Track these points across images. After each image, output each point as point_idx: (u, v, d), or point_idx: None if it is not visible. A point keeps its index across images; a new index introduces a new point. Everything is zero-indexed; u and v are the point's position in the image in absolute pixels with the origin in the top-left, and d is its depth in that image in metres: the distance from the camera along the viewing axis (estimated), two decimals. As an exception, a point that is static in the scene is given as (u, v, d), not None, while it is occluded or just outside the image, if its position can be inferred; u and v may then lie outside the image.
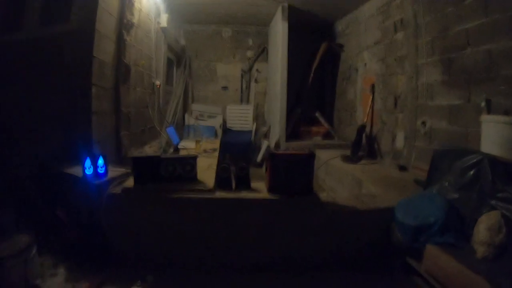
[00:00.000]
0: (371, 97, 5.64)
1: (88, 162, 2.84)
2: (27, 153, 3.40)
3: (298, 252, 2.88)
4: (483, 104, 3.29)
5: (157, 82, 5.48)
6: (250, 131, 7.77)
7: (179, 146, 4.59)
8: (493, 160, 2.57)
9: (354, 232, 2.89)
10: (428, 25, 4.18)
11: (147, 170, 2.81)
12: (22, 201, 3.19)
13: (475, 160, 2.65)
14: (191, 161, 2.92)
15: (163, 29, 5.80)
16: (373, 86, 5.64)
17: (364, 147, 5.61)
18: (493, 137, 3.08)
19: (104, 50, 3.60)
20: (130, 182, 2.88)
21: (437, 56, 4.04)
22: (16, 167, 3.30)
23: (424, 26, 4.23)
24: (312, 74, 7.26)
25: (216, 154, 4.59)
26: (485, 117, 3.22)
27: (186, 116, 7.69)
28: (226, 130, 7.94)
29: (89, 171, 2.86)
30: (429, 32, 4.15)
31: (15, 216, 3.02)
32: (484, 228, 2.21)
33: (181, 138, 5.87)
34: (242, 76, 8.41)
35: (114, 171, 3.13)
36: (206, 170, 3.35)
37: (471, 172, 2.64)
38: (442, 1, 3.91)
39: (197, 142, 4.83)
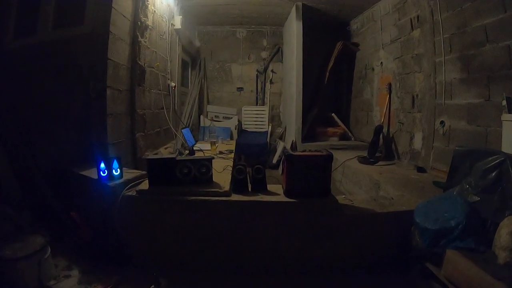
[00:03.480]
0: (388, 97, 5.57)
1: (103, 164, 2.84)
2: (42, 155, 3.43)
3: (315, 255, 2.83)
4: (503, 102, 3.21)
5: (172, 84, 5.49)
6: (266, 132, 7.76)
7: (194, 148, 4.58)
8: (515, 161, 2.49)
9: (372, 235, 2.83)
10: (445, 21, 4.09)
11: (162, 172, 2.79)
12: (38, 202, 3.22)
13: (497, 161, 2.56)
14: (206, 163, 2.89)
15: (177, 31, 5.81)
16: (390, 85, 5.56)
17: (381, 148, 5.53)
18: (515, 137, 3.00)
19: (118, 52, 3.62)
20: (145, 184, 2.87)
21: (455, 53, 3.95)
22: (31, 169, 3.33)
23: (441, 23, 4.14)
24: (327, 74, 7.22)
25: (232, 155, 4.57)
26: (506, 116, 3.14)
27: (202, 117, 7.72)
28: (241, 131, 7.93)
29: (104, 173, 2.86)
30: (447, 29, 4.07)
31: (31, 217, 3.05)
32: (506, 232, 2.13)
33: (196, 140, 5.88)
34: (257, 77, 8.40)
35: (129, 173, 3.14)
36: (222, 172, 3.33)
37: (493, 174, 2.55)
38: (459, -4, 3.82)
39: (213, 143, 4.82)
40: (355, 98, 7.51)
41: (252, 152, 6.86)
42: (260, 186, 2.93)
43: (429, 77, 4.41)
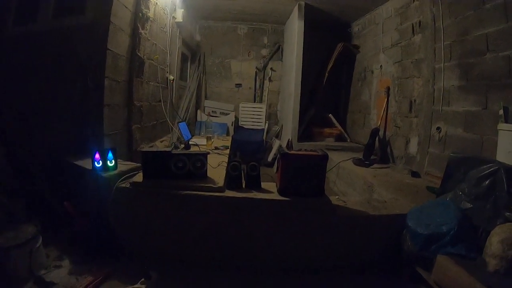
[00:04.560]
0: (386, 100, 5.57)
1: (98, 155, 2.84)
2: (38, 144, 3.41)
3: (306, 254, 2.84)
4: (500, 112, 3.23)
5: (171, 77, 5.48)
6: (262, 130, 7.76)
7: (190, 142, 4.57)
8: (509, 170, 2.51)
9: (364, 237, 2.84)
10: (446, 28, 4.10)
11: (157, 165, 2.79)
12: (32, 192, 3.20)
13: (491, 169, 2.58)
14: (201, 157, 2.89)
15: (178, 24, 5.79)
16: (388, 89, 5.57)
17: (376, 151, 5.55)
18: (510, 146, 3.01)
19: (118, 43, 3.60)
20: (139, 177, 2.87)
21: (455, 61, 3.96)
22: (26, 158, 3.31)
23: (442, 30, 4.15)
24: (326, 74, 7.20)
25: (227, 151, 4.56)
26: (502, 125, 3.16)
27: (199, 112, 7.71)
28: (238, 128, 7.93)
29: (98, 163, 2.85)
30: (448, 36, 4.07)
31: (24, 206, 3.04)
32: (497, 240, 2.15)
33: (192, 134, 5.87)
34: (256, 74, 8.38)
35: (124, 165, 3.13)
36: (217, 168, 3.33)
37: (487, 182, 2.57)
38: (461, 5, 3.82)
39: (209, 139, 4.81)
40: (353, 100, 7.52)
41: (247, 149, 6.85)
42: (254, 183, 2.93)
43: (428, 82, 4.42)
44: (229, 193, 2.78)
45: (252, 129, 7.97)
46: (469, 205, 2.61)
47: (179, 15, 5.61)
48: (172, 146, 4.65)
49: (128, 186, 2.78)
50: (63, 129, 3.45)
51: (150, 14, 4.35)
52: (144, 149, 3.20)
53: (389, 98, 5.56)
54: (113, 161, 2.94)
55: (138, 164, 3.11)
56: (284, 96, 7.77)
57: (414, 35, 4.91)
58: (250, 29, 8.28)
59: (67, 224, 3.03)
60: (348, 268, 2.86)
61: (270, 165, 6.85)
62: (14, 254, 2.36)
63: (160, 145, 4.88)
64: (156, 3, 4.62)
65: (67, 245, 2.90)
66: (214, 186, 2.78)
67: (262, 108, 8.16)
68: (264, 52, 8.32)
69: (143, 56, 4.25)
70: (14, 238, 2.41)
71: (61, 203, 3.00)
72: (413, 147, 4.83)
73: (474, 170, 2.72)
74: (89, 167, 2.88)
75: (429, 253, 2.40)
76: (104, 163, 2.88)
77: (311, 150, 2.94)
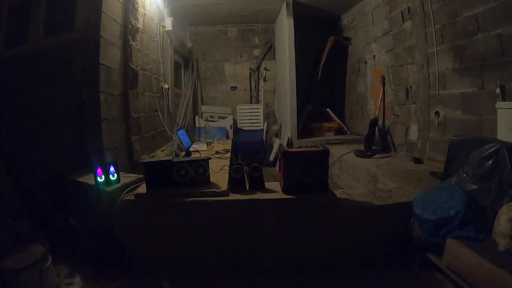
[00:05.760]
0: (382, 89, 5.57)
1: (99, 170, 2.83)
2: (38, 163, 3.41)
3: (315, 250, 2.83)
4: (497, 90, 3.22)
5: (166, 86, 5.47)
6: (262, 130, 7.77)
7: (190, 149, 4.57)
8: (511, 148, 2.50)
9: (371, 228, 2.83)
10: (436, 12, 4.09)
11: (159, 174, 2.78)
12: (36, 211, 3.20)
13: (493, 149, 2.57)
14: (203, 163, 2.89)
15: (169, 33, 5.79)
16: (383, 78, 5.56)
17: (377, 141, 5.55)
18: (510, 124, 3.01)
19: (110, 56, 3.59)
20: (142, 188, 2.86)
21: (448, 44, 3.96)
22: (28, 177, 3.31)
23: (432, 14, 4.14)
24: (320, 69, 7.21)
25: (229, 155, 4.56)
26: (500, 104, 3.16)
27: (197, 118, 7.72)
28: (237, 130, 7.93)
29: (101, 178, 2.84)
30: (438, 19, 4.07)
31: (30, 226, 3.03)
32: (505, 219, 2.14)
33: (192, 141, 5.87)
34: (250, 75, 8.40)
35: (126, 177, 3.12)
36: (219, 172, 3.32)
37: (489, 162, 2.56)
38: (449, -13, 3.82)
39: (209, 144, 4.81)
40: (349, 92, 7.51)
41: (248, 151, 6.85)
42: (258, 184, 2.91)
43: (422, 68, 4.42)
44: (233, 196, 2.77)
45: (251, 130, 7.98)
46: (474, 187, 2.60)
47: (168, 23, 5.61)
48: (173, 155, 4.66)
49: (132, 198, 2.77)
50: (63, 146, 3.44)
51: (140, 25, 4.35)
52: (145, 160, 3.19)
53: (385, 87, 5.55)
54: (115, 174, 2.93)
55: (141, 175, 3.09)
56: (280, 95, 7.78)
57: (404, 22, 4.91)
58: (240, 31, 8.29)
59: (75, 241, 3.03)
60: (358, 260, 2.85)
61: (272, 164, 6.85)
62: (24, 275, 2.34)
63: (161, 155, 4.88)
64: (145, 14, 4.61)
65: (76, 262, 2.89)
66: (218, 190, 2.78)
67: (259, 108, 8.16)
68: (256, 52, 8.33)
69: (136, 68, 4.24)
70: (22, 260, 2.40)
71: (66, 220, 3.00)
72: (413, 134, 4.83)
73: (476, 151, 2.72)
74: (92, 182, 2.87)
75: (438, 238, 2.40)
76: (107, 177, 2.87)
77: (311, 146, 2.94)
